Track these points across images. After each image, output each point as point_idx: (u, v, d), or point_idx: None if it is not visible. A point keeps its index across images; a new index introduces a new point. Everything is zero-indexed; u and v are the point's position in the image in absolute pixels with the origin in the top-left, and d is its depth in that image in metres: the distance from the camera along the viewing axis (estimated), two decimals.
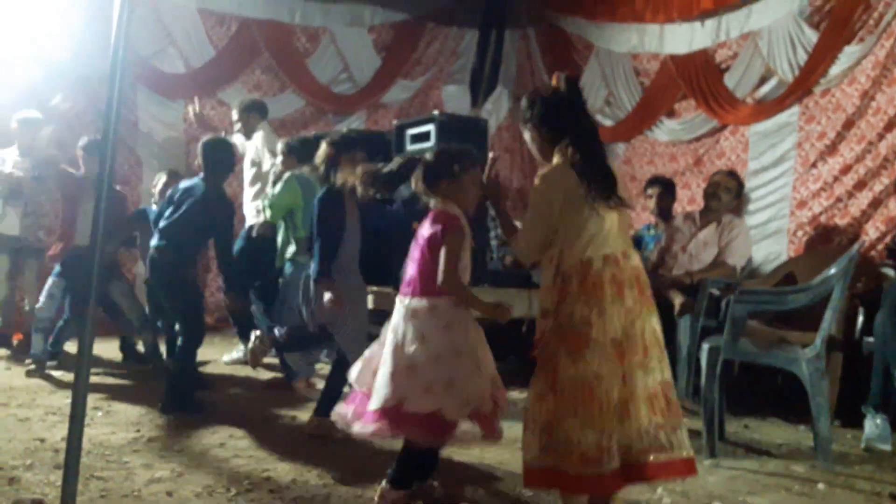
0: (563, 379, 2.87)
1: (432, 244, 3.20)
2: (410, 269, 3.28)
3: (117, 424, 4.47)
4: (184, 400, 4.85)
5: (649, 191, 6.61)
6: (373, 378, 3.24)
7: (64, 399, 4.93)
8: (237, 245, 6.24)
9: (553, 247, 3.00)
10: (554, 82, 3.10)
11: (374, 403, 3.15)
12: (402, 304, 3.25)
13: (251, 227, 6.46)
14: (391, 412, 3.11)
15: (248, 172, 6.86)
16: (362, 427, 3.17)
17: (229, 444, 4.20)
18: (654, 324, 2.97)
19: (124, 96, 5.89)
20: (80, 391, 2.61)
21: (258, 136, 6.71)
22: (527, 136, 3.19)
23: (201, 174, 5.16)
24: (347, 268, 4.48)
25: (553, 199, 2.97)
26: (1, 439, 4.07)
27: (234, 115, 6.89)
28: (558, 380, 2.88)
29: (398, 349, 3.17)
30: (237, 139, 6.85)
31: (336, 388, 4.40)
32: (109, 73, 2.68)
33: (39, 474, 3.52)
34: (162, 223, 5.08)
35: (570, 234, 2.96)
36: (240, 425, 4.59)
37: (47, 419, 4.52)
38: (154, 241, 5.08)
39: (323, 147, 4.54)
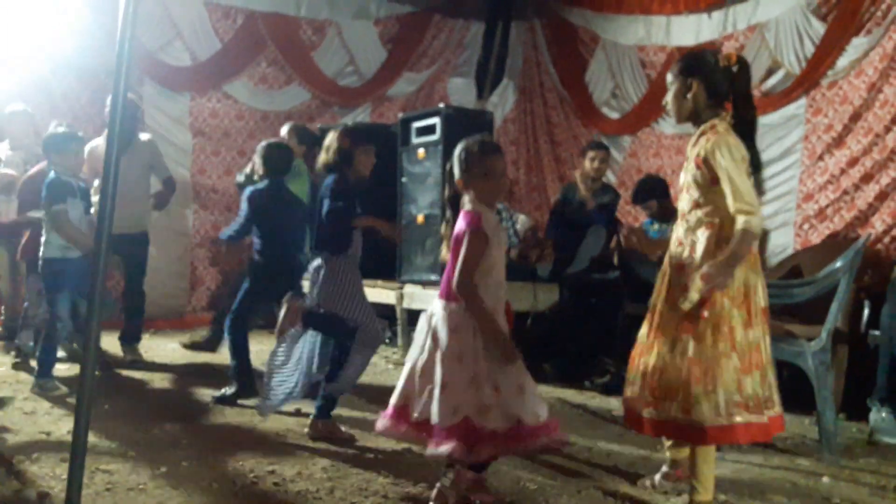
0: (740, 340, 3.06)
1: (456, 246, 3.11)
2: (447, 271, 3.16)
3: (123, 418, 4.48)
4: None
5: (648, 203, 6.51)
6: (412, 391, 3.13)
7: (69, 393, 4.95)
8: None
9: (710, 208, 3.13)
10: (733, 60, 3.21)
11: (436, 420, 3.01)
12: (436, 306, 3.15)
13: None
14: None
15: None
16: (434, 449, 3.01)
17: (234, 438, 4.21)
18: None
19: (130, 90, 5.85)
20: (85, 385, 2.62)
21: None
22: (678, 87, 3.25)
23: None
24: (354, 265, 4.38)
25: (742, 149, 3.10)
26: (7, 432, 4.09)
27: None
28: (736, 340, 3.06)
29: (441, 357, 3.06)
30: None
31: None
32: (116, 67, 2.67)
33: (45, 467, 3.53)
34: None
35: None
36: (244, 419, 4.60)
37: (53, 412, 4.53)
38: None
39: (336, 136, 4.36)
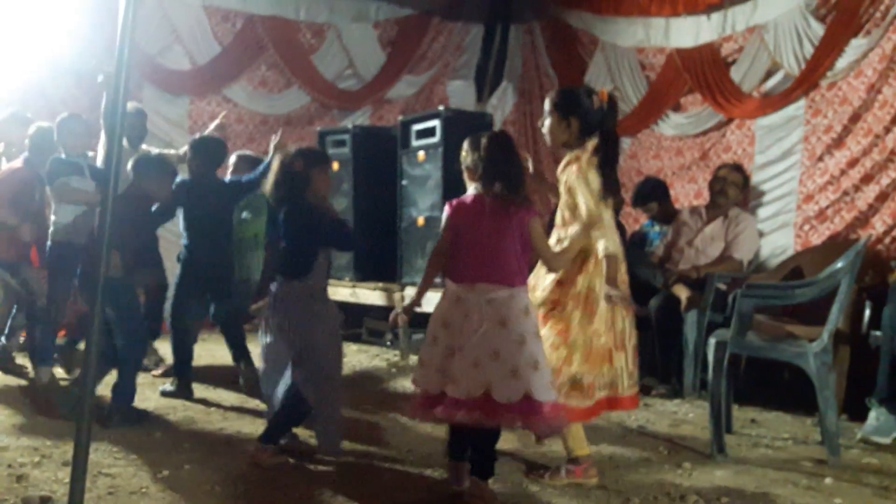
0: (575, 335, 3.51)
1: (522, 233, 3.32)
2: (484, 258, 3.29)
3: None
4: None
5: (649, 205, 6.55)
6: (440, 375, 3.28)
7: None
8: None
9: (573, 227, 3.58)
10: (604, 99, 3.64)
11: (461, 392, 3.19)
12: (472, 293, 3.27)
13: None
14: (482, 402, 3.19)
15: None
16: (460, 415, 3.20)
17: (236, 440, 4.21)
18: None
19: (130, 94, 5.85)
20: (88, 388, 2.62)
21: None
22: (555, 120, 3.68)
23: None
24: (324, 290, 4.11)
25: (595, 180, 3.53)
26: (9, 436, 4.09)
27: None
28: (571, 335, 3.51)
29: (478, 337, 3.21)
30: None
31: (291, 420, 4.00)
32: (115, 71, 2.67)
33: (48, 471, 3.53)
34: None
35: None
36: (246, 422, 4.60)
37: (54, 416, 4.52)
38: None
39: (288, 161, 4.02)
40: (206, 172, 5.36)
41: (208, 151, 5.39)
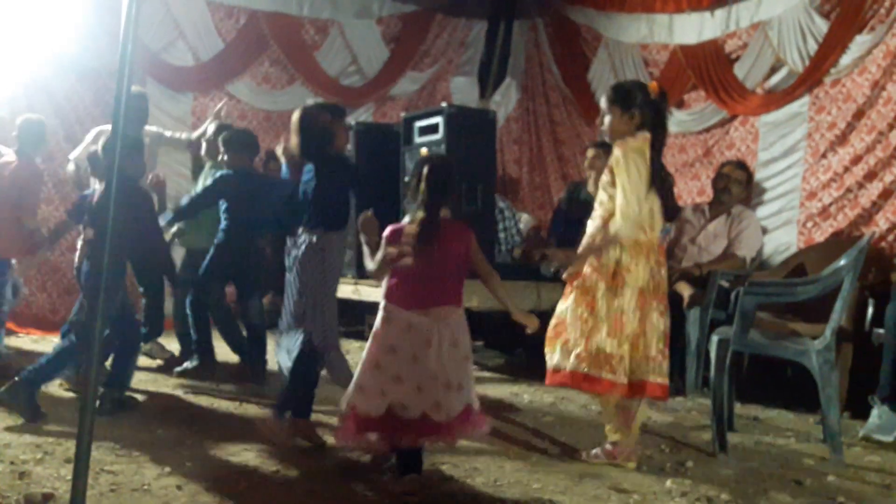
0: (600, 307, 3.67)
1: (465, 255, 3.46)
2: (435, 282, 3.40)
3: (127, 418, 4.49)
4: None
5: None
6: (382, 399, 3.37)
7: (74, 393, 4.96)
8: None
9: (610, 206, 3.70)
10: (656, 91, 3.78)
11: (442, 415, 3.35)
12: (427, 317, 3.36)
13: None
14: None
15: None
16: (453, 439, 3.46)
17: (239, 438, 4.20)
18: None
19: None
20: (90, 385, 2.62)
21: None
22: (618, 114, 3.76)
23: None
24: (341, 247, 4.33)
25: (643, 166, 3.66)
26: (11, 434, 4.09)
27: None
28: (597, 306, 3.67)
29: (442, 361, 3.35)
30: None
31: (309, 382, 4.11)
32: (118, 67, 2.66)
33: (50, 468, 3.53)
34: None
35: None
36: (249, 420, 4.60)
37: (57, 413, 4.53)
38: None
39: (311, 113, 4.28)
40: (245, 164, 5.58)
41: (243, 143, 5.61)
